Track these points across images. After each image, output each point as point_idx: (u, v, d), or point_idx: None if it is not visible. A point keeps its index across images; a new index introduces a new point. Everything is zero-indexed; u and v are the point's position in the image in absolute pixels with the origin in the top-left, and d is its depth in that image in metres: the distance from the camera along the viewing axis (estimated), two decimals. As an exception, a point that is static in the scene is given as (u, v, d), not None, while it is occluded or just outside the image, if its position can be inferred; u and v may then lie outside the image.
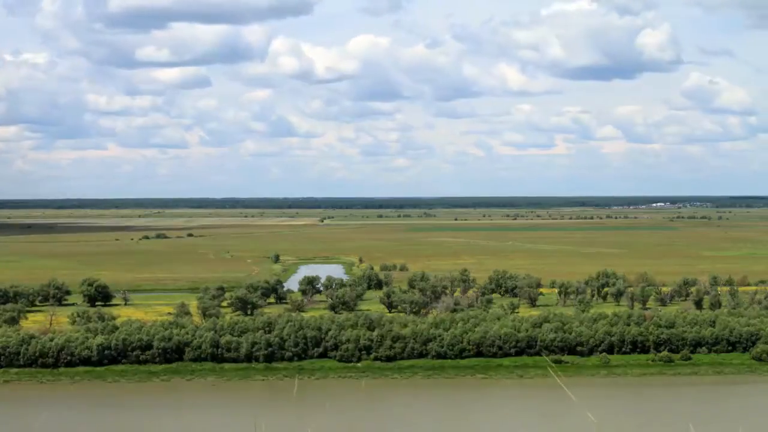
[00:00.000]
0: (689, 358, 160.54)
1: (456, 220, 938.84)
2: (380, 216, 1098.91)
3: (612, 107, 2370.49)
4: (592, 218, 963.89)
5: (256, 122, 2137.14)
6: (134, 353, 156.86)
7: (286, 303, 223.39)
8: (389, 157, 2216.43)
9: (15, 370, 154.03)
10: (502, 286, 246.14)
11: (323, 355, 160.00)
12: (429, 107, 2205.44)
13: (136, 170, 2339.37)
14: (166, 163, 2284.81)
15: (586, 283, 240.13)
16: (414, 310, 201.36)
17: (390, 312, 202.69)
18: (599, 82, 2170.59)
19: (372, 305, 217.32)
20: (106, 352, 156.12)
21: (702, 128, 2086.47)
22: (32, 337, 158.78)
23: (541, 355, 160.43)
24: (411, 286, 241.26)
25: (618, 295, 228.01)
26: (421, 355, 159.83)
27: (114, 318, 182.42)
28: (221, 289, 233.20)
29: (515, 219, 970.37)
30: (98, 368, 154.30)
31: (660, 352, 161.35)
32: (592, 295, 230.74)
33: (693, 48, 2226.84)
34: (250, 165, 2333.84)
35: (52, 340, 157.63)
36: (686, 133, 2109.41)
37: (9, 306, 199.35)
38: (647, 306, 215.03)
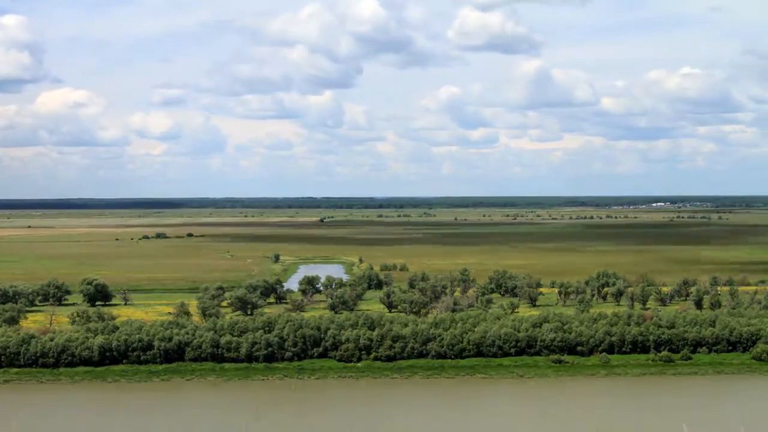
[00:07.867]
0: (689, 358, 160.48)
1: (456, 220, 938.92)
2: (380, 216, 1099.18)
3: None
4: (592, 218, 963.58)
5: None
6: (134, 353, 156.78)
7: (286, 303, 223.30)
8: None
9: (15, 370, 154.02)
10: (502, 286, 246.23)
11: (323, 355, 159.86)
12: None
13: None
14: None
15: (586, 283, 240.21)
16: (414, 310, 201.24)
17: (390, 312, 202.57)
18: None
19: (372, 305, 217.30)
20: (106, 352, 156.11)
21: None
22: (32, 337, 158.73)
23: (541, 355, 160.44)
24: (411, 286, 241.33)
25: (618, 295, 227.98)
26: (421, 355, 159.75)
27: (114, 318, 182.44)
28: (221, 289, 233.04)
29: (515, 219, 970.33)
30: (98, 368, 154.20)
31: (660, 352, 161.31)
32: (592, 295, 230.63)
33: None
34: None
35: (52, 340, 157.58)
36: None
37: (9, 306, 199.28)
38: (647, 306, 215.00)
